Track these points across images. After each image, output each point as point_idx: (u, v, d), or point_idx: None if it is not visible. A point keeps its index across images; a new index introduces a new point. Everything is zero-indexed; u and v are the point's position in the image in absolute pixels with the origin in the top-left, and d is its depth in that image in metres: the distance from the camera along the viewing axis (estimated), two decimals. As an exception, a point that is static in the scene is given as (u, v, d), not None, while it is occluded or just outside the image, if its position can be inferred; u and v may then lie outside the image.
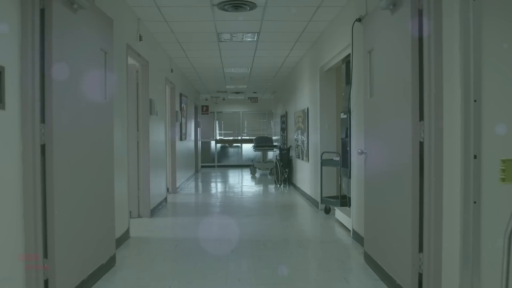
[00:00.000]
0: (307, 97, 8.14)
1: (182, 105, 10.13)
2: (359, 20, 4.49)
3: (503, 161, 2.38)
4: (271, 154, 14.86)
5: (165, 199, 7.71)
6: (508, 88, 2.53)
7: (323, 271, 4.06)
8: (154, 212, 6.65)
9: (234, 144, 17.45)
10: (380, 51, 3.78)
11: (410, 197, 3.10)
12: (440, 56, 2.88)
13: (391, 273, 3.45)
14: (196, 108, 14.05)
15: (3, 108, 2.65)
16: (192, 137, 13.01)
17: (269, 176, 12.91)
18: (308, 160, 8.04)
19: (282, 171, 10.41)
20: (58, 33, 3.01)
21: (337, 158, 6.33)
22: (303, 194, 8.54)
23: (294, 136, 9.80)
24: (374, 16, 3.91)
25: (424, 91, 3.01)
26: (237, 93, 14.82)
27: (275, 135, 15.04)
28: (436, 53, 2.90)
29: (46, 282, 2.96)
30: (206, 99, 16.45)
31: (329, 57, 6.29)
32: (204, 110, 16.19)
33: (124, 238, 4.95)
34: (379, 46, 3.79)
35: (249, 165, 15.16)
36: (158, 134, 7.11)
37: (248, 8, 5.26)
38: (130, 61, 5.59)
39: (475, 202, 2.58)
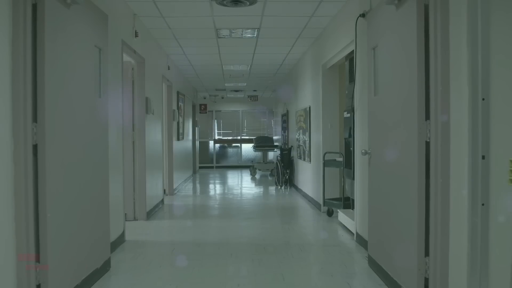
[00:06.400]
0: (309, 96, 8.09)
1: (180, 103, 10.08)
2: (363, 15, 4.44)
3: (513, 161, 2.34)
4: (271, 155, 14.80)
5: (162, 201, 7.64)
6: (517, 86, 2.48)
7: (325, 275, 3.99)
8: (150, 214, 6.59)
9: (233, 144, 17.40)
10: (385, 48, 3.74)
11: (416, 199, 3.06)
12: (447, 53, 2.84)
13: (396, 278, 3.41)
14: (194, 106, 14.01)
15: (-7, 106, 2.60)
16: (190, 137, 12.97)
17: (269, 177, 12.86)
18: (310, 161, 7.98)
19: (283, 172, 10.34)
20: (50, 29, 2.96)
21: (340, 159, 6.28)
22: (305, 196, 8.48)
23: (295, 135, 9.75)
24: (379, 11, 3.87)
25: (430, 89, 2.97)
26: (236, 91, 14.77)
27: (275, 135, 15.00)
28: (442, 49, 2.86)
29: (38, 287, 2.90)
30: (204, 98, 16.40)
31: (331, 54, 6.24)
32: (202, 109, 16.14)
33: (119, 241, 4.89)
34: (384, 43, 3.76)
35: (248, 165, 15.07)
36: (155, 133, 7.05)
37: (248, 3, 5.21)
38: (126, 58, 5.53)
39: (483, 204, 2.55)
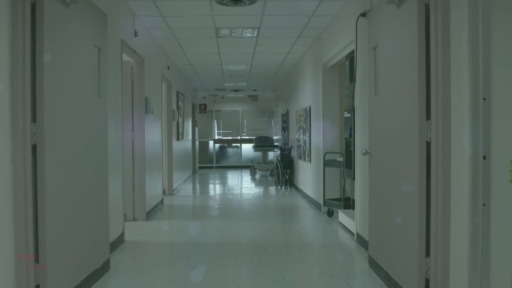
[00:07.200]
0: (309, 95, 8.07)
1: (179, 103, 10.05)
2: (363, 15, 4.42)
3: (514, 162, 2.34)
4: (271, 155, 14.77)
5: (161, 201, 7.62)
6: (519, 85, 2.47)
7: (326, 276, 3.97)
8: (150, 215, 6.57)
9: (233, 144, 17.36)
10: (386, 47, 3.72)
11: (417, 200, 3.05)
12: (448, 52, 2.83)
13: (397, 279, 3.39)
14: (193, 106, 13.98)
15: (-9, 106, 2.59)
16: (190, 137, 12.93)
17: (269, 178, 12.83)
18: (310, 161, 7.96)
19: (283, 172, 10.32)
20: (49, 29, 2.94)
21: (341, 159, 6.27)
22: (305, 196, 8.45)
23: (295, 135, 9.72)
24: (379, 10, 3.85)
25: (431, 89, 2.96)
26: (236, 91, 14.75)
27: (276, 135, 14.96)
28: (443, 49, 2.85)
29: (37, 288, 2.89)
30: (204, 97, 16.37)
31: (332, 53, 6.22)
32: (202, 108, 16.09)
33: (118, 242, 4.86)
34: (384, 42, 3.74)
35: (248, 166, 15.04)
36: (154, 133, 7.03)
37: (247, 2, 5.19)
38: (125, 57, 5.51)
39: (484, 205, 2.54)
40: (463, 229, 2.65)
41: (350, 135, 5.47)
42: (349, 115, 5.50)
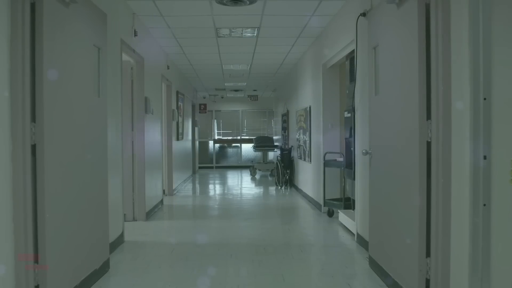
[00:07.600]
0: (309, 95, 8.06)
1: (179, 103, 10.04)
2: (363, 14, 4.42)
3: (515, 162, 2.34)
4: (271, 155, 14.76)
5: (161, 201, 7.61)
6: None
7: (326, 276, 3.97)
8: (149, 215, 6.56)
9: (233, 144, 17.35)
10: (386, 47, 3.71)
11: (417, 200, 3.04)
12: (448, 52, 2.82)
13: (397, 279, 3.38)
14: (193, 106, 13.97)
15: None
16: (190, 137, 12.92)
17: (269, 178, 12.82)
18: (310, 161, 7.95)
19: (283, 172, 10.31)
20: (49, 29, 2.94)
21: (341, 159, 6.26)
22: (305, 196, 8.45)
23: (295, 135, 9.72)
24: (379, 10, 3.84)
25: (431, 89, 2.95)
26: (236, 90, 14.74)
27: (276, 135, 14.95)
28: (444, 49, 2.84)
29: (36, 288, 2.88)
30: (204, 97, 16.36)
31: (332, 53, 6.21)
32: (202, 108, 16.08)
33: (118, 242, 4.85)
34: (385, 42, 3.73)
35: (248, 166, 15.02)
36: (154, 133, 7.02)
37: (247, 2, 5.19)
38: (125, 57, 5.50)
39: (484, 205, 2.54)
40: (463, 229, 2.64)
41: (350, 135, 5.46)
42: (349, 115, 5.50)
